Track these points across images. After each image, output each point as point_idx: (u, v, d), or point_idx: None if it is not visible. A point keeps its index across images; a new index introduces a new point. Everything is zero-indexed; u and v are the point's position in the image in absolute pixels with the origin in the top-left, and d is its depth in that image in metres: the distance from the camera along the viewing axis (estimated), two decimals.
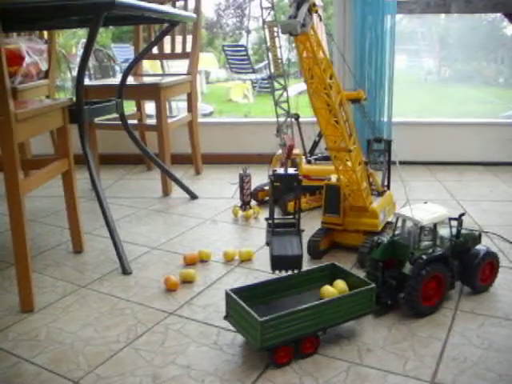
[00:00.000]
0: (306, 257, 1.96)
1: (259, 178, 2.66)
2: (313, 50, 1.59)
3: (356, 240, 1.96)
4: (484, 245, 1.72)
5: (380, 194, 2.10)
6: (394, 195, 2.20)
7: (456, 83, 8.39)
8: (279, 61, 2.82)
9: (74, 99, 1.97)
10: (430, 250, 1.54)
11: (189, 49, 3.13)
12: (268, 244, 1.48)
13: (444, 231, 1.63)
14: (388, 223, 2.08)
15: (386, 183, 2.18)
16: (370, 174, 2.05)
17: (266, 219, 1.51)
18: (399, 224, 1.63)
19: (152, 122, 3.10)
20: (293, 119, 2.72)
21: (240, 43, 9.46)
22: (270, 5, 2.66)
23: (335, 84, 1.69)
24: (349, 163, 1.83)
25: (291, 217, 1.51)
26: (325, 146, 1.86)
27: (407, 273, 1.52)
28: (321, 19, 1.64)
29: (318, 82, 1.66)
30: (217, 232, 2.28)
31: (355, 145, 1.82)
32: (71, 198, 1.99)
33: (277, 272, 1.48)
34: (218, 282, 1.81)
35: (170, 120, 2.87)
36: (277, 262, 1.45)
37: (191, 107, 3.14)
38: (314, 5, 1.55)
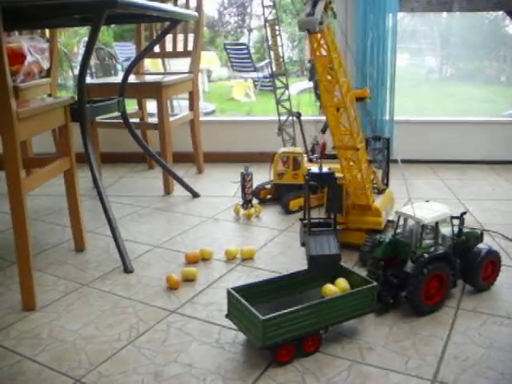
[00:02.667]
0: None
1: (261, 176, 2.66)
2: (328, 48, 1.59)
3: (358, 238, 1.95)
4: (486, 243, 1.72)
5: (380, 192, 2.10)
6: (396, 194, 2.20)
7: (458, 82, 8.37)
8: (281, 59, 2.82)
9: (76, 98, 1.97)
10: (432, 249, 1.54)
11: (190, 47, 3.13)
12: (303, 245, 1.47)
13: (446, 230, 1.62)
14: (389, 221, 2.08)
15: (385, 181, 2.18)
16: (373, 172, 2.05)
17: (301, 219, 1.49)
18: (401, 222, 1.63)
19: (154, 120, 3.09)
20: (294, 117, 2.74)
21: (242, 41, 9.46)
22: (271, 3, 2.66)
23: (346, 83, 1.69)
24: (351, 163, 1.83)
25: (325, 216, 1.51)
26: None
27: (409, 271, 1.52)
28: (335, 17, 1.63)
29: (332, 81, 1.65)
30: (218, 230, 2.28)
31: (362, 143, 1.82)
32: (73, 197, 1.99)
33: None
34: (219, 280, 1.81)
35: (171, 118, 2.87)
36: (315, 262, 1.45)
37: (193, 106, 3.14)
38: (330, 2, 1.55)
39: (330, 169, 1.50)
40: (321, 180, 1.45)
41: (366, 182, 1.88)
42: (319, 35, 1.57)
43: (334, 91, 1.67)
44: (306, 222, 1.49)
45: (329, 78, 1.66)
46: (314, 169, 1.48)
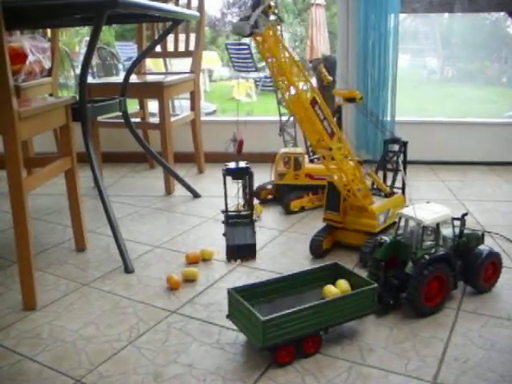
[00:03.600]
0: (308, 256, 1.96)
1: (262, 176, 2.66)
2: (269, 50, 1.60)
3: (358, 239, 1.95)
4: (487, 245, 1.72)
5: (387, 195, 2.07)
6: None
7: (459, 83, 8.37)
8: None
9: (77, 97, 1.97)
10: (433, 250, 1.54)
11: (192, 47, 3.13)
12: (225, 235, 1.53)
13: (447, 231, 1.62)
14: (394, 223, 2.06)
15: (397, 185, 2.13)
16: (369, 174, 2.03)
17: (223, 212, 1.57)
18: (402, 224, 1.63)
19: (155, 120, 3.10)
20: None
21: (243, 42, 9.46)
22: (273, 4, 2.66)
23: (304, 82, 1.69)
24: (331, 166, 1.82)
25: (246, 209, 1.57)
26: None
27: (409, 273, 1.51)
28: (282, 20, 1.67)
29: (285, 81, 1.67)
30: (219, 231, 2.27)
31: (340, 143, 1.80)
32: (74, 196, 1.99)
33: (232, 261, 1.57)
34: (220, 280, 1.81)
35: (172, 118, 2.87)
36: (232, 252, 1.54)
37: (194, 105, 3.14)
38: (270, 7, 1.57)
39: (247, 163, 1.58)
40: (234, 174, 1.57)
41: (351, 183, 1.87)
42: (261, 38, 1.58)
43: (288, 91, 1.67)
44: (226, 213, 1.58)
45: (280, 79, 1.67)
46: (232, 164, 1.58)
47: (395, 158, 2.10)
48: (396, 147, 2.13)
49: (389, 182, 2.16)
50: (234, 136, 1.61)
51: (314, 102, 1.72)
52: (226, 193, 1.57)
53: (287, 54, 1.64)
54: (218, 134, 3.48)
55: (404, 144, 2.10)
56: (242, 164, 1.57)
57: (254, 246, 1.54)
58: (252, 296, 1.45)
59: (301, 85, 1.68)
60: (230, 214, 1.58)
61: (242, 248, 1.54)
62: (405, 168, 2.12)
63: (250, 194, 1.59)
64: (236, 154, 1.59)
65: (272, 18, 1.58)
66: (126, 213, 2.52)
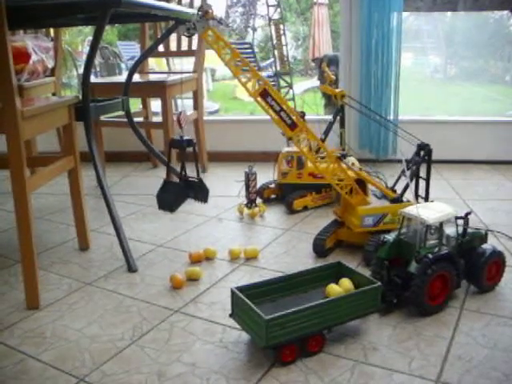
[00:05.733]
0: (311, 255, 1.97)
1: (265, 175, 2.66)
2: (212, 47, 1.81)
3: (361, 238, 1.94)
4: (490, 244, 1.71)
5: (393, 200, 1.98)
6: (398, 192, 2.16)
7: (462, 81, 8.35)
8: (285, 58, 2.82)
9: (80, 97, 1.97)
10: (436, 249, 1.54)
11: (194, 46, 3.13)
12: None
13: (450, 230, 1.62)
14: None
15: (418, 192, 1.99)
16: (358, 174, 1.99)
17: (179, 177, 1.92)
18: (405, 223, 1.63)
19: (158, 119, 3.10)
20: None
21: (246, 41, 9.45)
22: (276, 2, 2.67)
23: (252, 75, 1.82)
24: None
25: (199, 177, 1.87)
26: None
27: (413, 271, 1.51)
28: (221, 23, 1.91)
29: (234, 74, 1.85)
30: (222, 230, 2.28)
31: (306, 135, 1.86)
32: (77, 196, 1.99)
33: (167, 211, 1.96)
34: (223, 279, 1.81)
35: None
36: (158, 202, 1.93)
37: (197, 105, 3.15)
38: (207, 12, 1.75)
39: (191, 137, 1.83)
40: (178, 145, 1.83)
41: (328, 178, 1.88)
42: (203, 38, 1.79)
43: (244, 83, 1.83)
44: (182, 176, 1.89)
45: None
46: (176, 136, 1.84)
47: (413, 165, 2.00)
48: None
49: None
50: (183, 113, 1.92)
51: (264, 94, 1.81)
52: (170, 160, 1.99)
53: (231, 52, 1.81)
54: (220, 134, 3.51)
55: (429, 151, 1.96)
56: (187, 137, 1.83)
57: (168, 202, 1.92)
58: (255, 295, 1.45)
59: (245, 77, 1.85)
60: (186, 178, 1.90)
61: (164, 201, 1.93)
62: (428, 176, 1.96)
63: (193, 160, 1.87)
64: (179, 127, 1.88)
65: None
66: (129, 212, 2.52)
